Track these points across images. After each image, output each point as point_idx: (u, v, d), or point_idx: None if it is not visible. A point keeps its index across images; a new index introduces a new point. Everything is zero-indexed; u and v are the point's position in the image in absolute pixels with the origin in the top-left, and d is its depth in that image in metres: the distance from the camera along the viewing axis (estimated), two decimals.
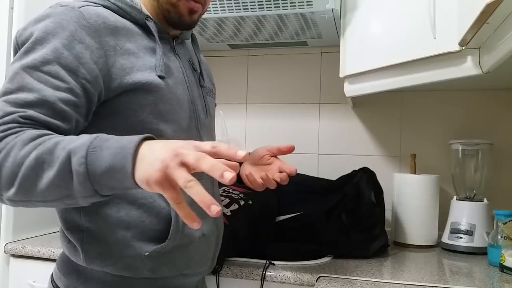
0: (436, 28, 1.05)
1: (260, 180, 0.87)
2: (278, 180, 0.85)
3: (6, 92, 0.66)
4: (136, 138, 0.57)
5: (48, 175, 0.57)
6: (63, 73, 0.68)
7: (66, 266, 0.81)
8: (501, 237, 1.11)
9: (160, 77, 0.77)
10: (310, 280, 1.01)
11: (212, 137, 0.93)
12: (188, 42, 0.94)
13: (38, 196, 0.60)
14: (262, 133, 1.74)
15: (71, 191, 0.58)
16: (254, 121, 1.75)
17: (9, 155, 0.59)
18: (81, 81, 0.69)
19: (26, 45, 0.69)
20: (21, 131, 0.62)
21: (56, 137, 0.61)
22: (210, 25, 1.43)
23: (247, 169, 0.91)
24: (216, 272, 1.07)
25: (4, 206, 1.29)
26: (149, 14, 0.81)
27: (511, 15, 0.79)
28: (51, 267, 0.86)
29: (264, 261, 1.09)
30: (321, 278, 1.00)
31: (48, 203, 0.62)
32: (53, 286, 0.82)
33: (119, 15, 0.77)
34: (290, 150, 0.88)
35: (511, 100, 1.49)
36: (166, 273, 0.79)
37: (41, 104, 0.65)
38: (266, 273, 1.05)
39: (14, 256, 1.28)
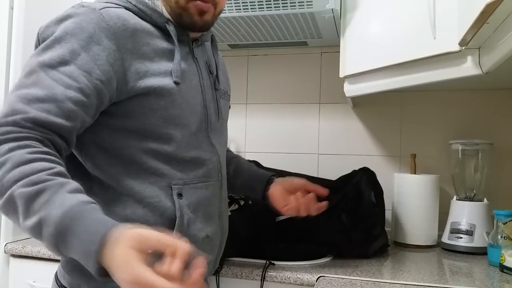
0: (436, 28, 1.05)
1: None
2: (315, 213, 0.99)
3: (21, 86, 0.69)
4: (98, 237, 0.59)
5: (22, 221, 0.64)
6: (77, 73, 0.70)
7: (69, 263, 0.81)
8: (501, 237, 1.11)
9: (176, 82, 0.78)
10: (310, 280, 1.01)
11: (223, 140, 0.94)
12: (208, 43, 0.95)
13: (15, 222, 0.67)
14: (262, 133, 1.73)
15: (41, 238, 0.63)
16: (254, 121, 1.75)
17: None
18: (95, 81, 0.71)
19: (46, 42, 0.71)
20: (18, 138, 0.64)
21: (42, 176, 0.63)
22: None
23: (276, 189, 1.01)
24: (216, 272, 1.07)
25: None
26: (169, 18, 0.82)
27: (511, 15, 0.79)
28: (51, 267, 0.87)
29: (264, 261, 1.09)
30: (321, 278, 1.00)
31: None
32: (57, 284, 0.82)
33: (139, 17, 0.79)
34: (324, 194, 1.01)
35: (511, 100, 1.49)
36: None
37: (48, 100, 0.67)
38: (266, 273, 1.05)
39: (14, 256, 1.28)
